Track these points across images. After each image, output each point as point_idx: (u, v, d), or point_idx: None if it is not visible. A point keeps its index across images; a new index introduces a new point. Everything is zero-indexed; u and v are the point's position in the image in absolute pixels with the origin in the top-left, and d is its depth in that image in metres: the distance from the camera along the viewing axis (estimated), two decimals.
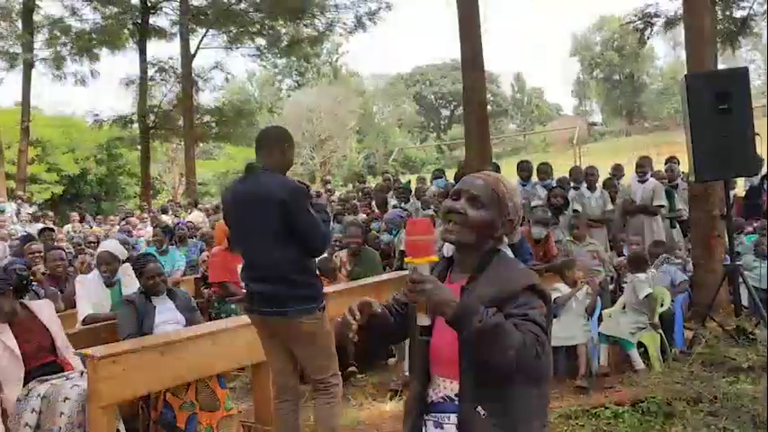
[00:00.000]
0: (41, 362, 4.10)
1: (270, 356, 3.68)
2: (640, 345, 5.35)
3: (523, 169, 8.51)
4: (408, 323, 1.96)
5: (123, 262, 5.42)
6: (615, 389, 4.87)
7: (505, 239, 1.94)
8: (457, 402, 1.78)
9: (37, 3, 19.61)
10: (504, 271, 1.83)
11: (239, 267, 6.28)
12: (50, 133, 26.15)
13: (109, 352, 3.69)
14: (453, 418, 1.79)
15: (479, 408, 1.71)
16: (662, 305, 5.61)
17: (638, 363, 5.23)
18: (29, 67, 19.54)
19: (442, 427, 1.82)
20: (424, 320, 1.72)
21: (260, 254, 3.42)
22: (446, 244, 1.93)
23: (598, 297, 5.82)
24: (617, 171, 9.95)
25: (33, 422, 3.84)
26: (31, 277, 6.06)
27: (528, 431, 1.75)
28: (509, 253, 1.94)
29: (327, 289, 4.32)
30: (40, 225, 12.28)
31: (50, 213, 15.42)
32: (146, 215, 14.28)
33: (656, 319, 5.44)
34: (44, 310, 4.31)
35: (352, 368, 5.70)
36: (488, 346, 1.62)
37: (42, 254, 6.62)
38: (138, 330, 4.43)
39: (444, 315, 1.65)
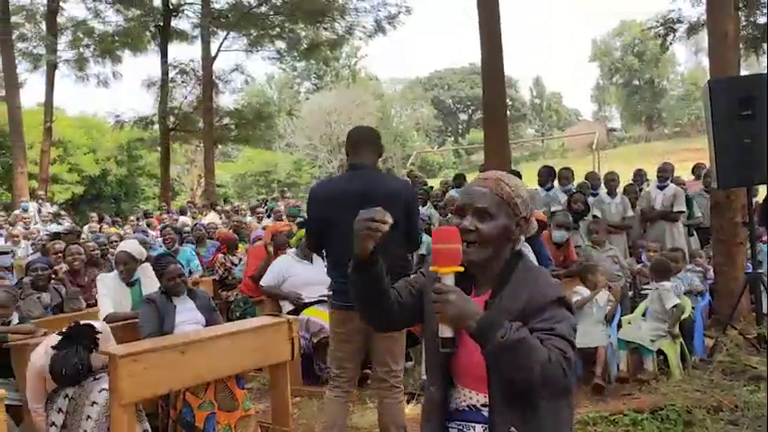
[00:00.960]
0: None
1: (350, 351, 3.67)
2: (660, 352, 5.30)
3: (544, 174, 8.47)
4: (410, 312, 1.94)
5: (142, 262, 5.47)
6: (634, 396, 4.81)
7: (522, 238, 1.90)
8: (484, 413, 1.75)
9: (61, 5, 19.83)
10: (529, 281, 1.77)
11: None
12: (72, 134, 26.45)
13: (130, 351, 3.72)
14: (479, 428, 1.76)
15: (513, 428, 1.68)
16: (682, 312, 5.56)
17: (650, 368, 5.17)
18: (52, 68, 19.74)
19: None
20: (446, 332, 1.68)
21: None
22: None
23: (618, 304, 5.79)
24: (638, 177, 9.84)
25: (60, 422, 3.88)
26: (53, 276, 6.16)
27: None
28: (530, 254, 1.92)
29: None
30: (57, 225, 12.45)
31: (63, 213, 15.60)
32: (165, 216, 14.39)
33: (677, 329, 5.38)
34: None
35: (369, 370, 5.71)
36: (512, 362, 1.58)
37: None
38: (159, 330, 4.48)
39: (467, 329, 1.61)
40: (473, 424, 1.77)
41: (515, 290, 1.76)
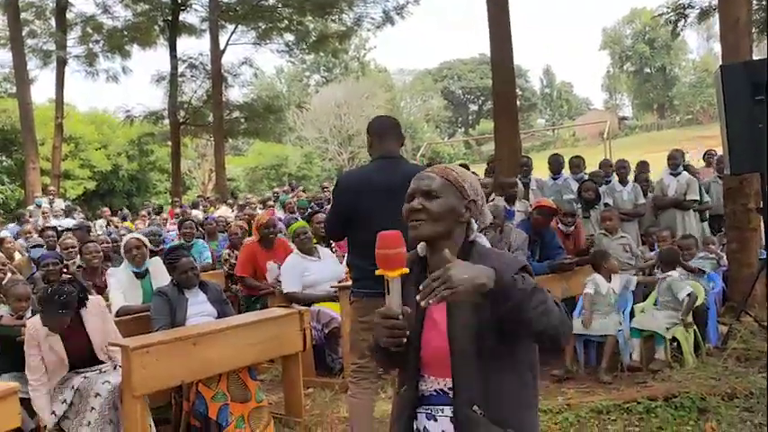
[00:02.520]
0: (80, 359, 4.15)
1: None
2: (674, 340, 5.27)
3: (554, 163, 8.42)
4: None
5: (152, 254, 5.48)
6: (647, 384, 4.80)
7: (475, 226, 1.91)
8: (451, 396, 1.79)
9: (69, 1, 19.90)
10: (489, 260, 1.75)
11: (270, 264, 6.38)
12: (83, 129, 26.57)
13: (142, 343, 3.76)
14: (447, 410, 1.80)
15: (475, 407, 1.73)
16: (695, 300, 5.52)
17: (662, 356, 5.15)
18: (62, 64, 19.84)
19: (435, 420, 1.83)
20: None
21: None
22: (420, 243, 1.90)
23: (630, 292, 5.77)
24: (643, 168, 9.66)
25: (60, 412, 3.92)
26: (65, 271, 6.18)
27: (522, 418, 1.77)
28: (485, 243, 1.92)
29: None
30: (70, 220, 12.52)
31: (78, 208, 15.69)
32: (177, 210, 14.45)
33: (690, 317, 5.34)
34: (91, 312, 4.20)
35: None
36: (538, 305, 1.60)
37: (77, 248, 6.71)
38: (171, 322, 4.49)
39: (484, 288, 1.56)
40: (441, 407, 1.82)
41: None
